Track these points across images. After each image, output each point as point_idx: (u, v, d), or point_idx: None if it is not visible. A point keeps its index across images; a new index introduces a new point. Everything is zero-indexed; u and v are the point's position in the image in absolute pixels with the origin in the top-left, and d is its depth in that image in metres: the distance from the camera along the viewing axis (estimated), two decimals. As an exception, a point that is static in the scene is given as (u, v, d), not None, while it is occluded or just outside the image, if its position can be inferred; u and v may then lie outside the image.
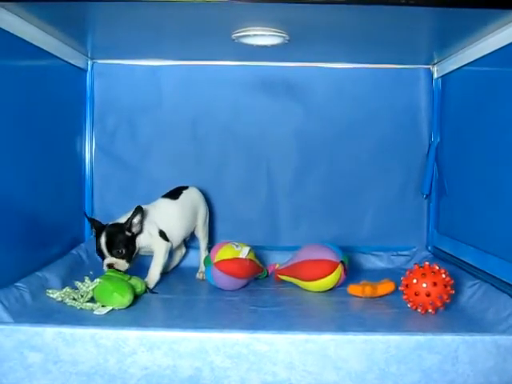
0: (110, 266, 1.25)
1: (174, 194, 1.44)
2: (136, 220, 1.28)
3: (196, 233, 1.50)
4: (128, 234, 1.28)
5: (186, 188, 1.48)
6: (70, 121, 1.54)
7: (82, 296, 1.14)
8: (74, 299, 1.14)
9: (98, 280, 1.14)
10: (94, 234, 1.31)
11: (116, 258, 1.25)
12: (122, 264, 1.26)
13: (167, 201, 1.42)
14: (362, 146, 1.65)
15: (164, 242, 1.34)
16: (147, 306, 1.18)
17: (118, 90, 1.64)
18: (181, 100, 1.65)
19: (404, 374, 0.86)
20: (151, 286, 1.29)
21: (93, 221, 1.31)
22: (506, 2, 1.00)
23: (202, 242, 1.51)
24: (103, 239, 1.26)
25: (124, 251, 1.26)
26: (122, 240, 1.27)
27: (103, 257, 1.26)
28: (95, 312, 1.09)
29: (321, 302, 1.26)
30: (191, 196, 1.47)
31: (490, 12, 1.05)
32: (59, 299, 1.14)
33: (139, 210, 1.28)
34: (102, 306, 1.11)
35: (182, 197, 1.44)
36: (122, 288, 1.12)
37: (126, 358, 0.86)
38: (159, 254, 1.33)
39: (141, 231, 1.30)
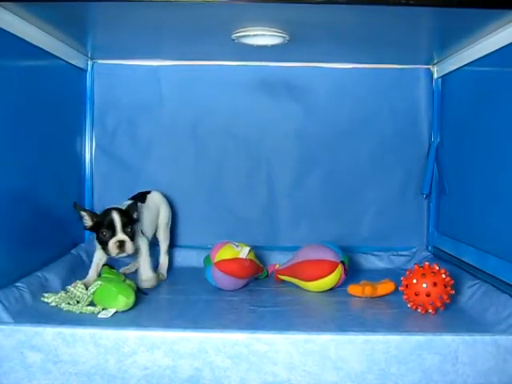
0: (121, 243, 1.23)
1: (141, 198, 1.44)
2: (136, 210, 1.30)
3: (157, 235, 1.49)
4: (133, 217, 1.29)
5: (149, 192, 1.48)
6: (70, 121, 1.54)
7: (78, 302, 1.13)
8: (68, 304, 1.12)
9: (98, 283, 1.13)
10: (89, 221, 1.26)
11: (126, 235, 1.24)
12: (130, 245, 1.24)
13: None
14: (362, 146, 1.65)
15: (144, 238, 1.35)
16: (147, 306, 1.18)
17: (118, 90, 1.64)
18: (181, 100, 1.65)
19: (404, 375, 0.86)
20: (150, 282, 1.30)
21: (87, 210, 1.28)
22: (506, 2, 1.00)
23: (163, 244, 1.49)
24: (116, 216, 1.24)
25: (133, 230, 1.26)
26: (131, 220, 1.27)
27: (113, 233, 1.23)
28: (100, 316, 1.08)
29: (321, 302, 1.26)
30: (154, 199, 1.48)
31: (490, 12, 1.05)
32: (53, 304, 1.12)
33: (137, 203, 1.32)
34: (103, 309, 1.10)
35: (147, 201, 1.45)
36: (125, 289, 1.12)
37: (126, 358, 0.86)
38: (144, 249, 1.33)
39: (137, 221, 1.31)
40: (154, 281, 1.32)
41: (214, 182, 1.65)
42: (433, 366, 0.86)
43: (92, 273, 1.29)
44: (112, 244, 1.23)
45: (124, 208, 1.29)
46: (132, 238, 1.25)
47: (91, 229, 1.27)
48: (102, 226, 1.24)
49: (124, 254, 1.25)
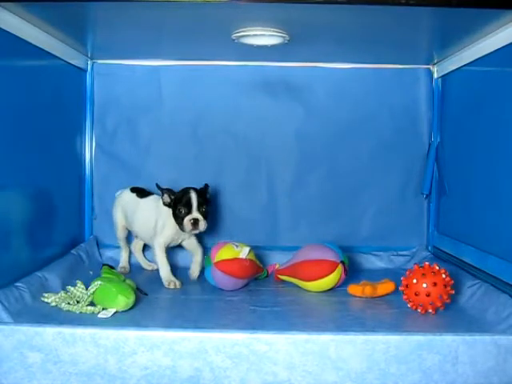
0: (195, 221, 1.33)
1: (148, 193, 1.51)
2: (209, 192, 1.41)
3: None
4: (208, 198, 1.39)
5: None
6: (70, 121, 1.54)
7: (78, 302, 1.13)
8: (68, 304, 1.12)
9: (98, 283, 1.13)
10: (167, 198, 1.36)
11: (201, 214, 1.34)
12: (204, 223, 1.34)
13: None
14: (362, 146, 1.65)
15: None
16: (147, 306, 1.17)
17: (118, 90, 1.64)
18: (181, 100, 1.65)
19: (404, 374, 0.86)
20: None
21: (166, 189, 1.37)
22: (506, 2, 1.00)
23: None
24: (193, 194, 1.34)
25: (207, 209, 1.36)
26: (206, 200, 1.37)
27: (189, 211, 1.33)
28: (100, 316, 1.08)
29: (321, 301, 1.26)
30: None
31: (490, 12, 1.05)
32: (53, 304, 1.12)
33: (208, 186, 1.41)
34: (103, 309, 1.10)
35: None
36: (125, 289, 1.12)
37: (126, 358, 0.86)
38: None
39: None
40: None
41: (213, 182, 1.64)
42: (433, 366, 0.86)
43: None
44: (187, 221, 1.33)
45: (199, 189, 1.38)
46: (205, 216, 1.35)
47: (169, 205, 1.36)
48: (179, 204, 1.34)
49: (196, 232, 1.35)
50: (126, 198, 1.52)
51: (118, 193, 1.55)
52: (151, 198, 1.48)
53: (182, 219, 1.33)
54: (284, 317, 1.13)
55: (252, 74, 1.64)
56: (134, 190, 1.52)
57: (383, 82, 1.64)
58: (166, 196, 1.36)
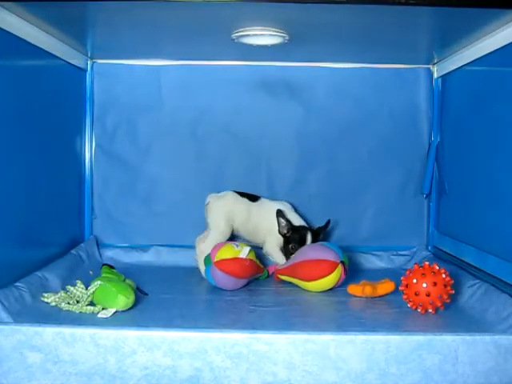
0: None
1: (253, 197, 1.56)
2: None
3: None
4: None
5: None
6: (69, 121, 1.54)
7: (77, 301, 1.13)
8: (68, 303, 1.12)
9: (98, 282, 1.13)
10: (284, 229, 1.46)
11: None
12: None
13: None
14: (362, 146, 1.65)
15: None
16: (147, 306, 1.17)
17: (118, 90, 1.64)
18: (181, 100, 1.65)
19: (404, 374, 0.86)
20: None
21: (287, 220, 1.47)
22: (506, 2, 1.00)
23: None
24: (309, 236, 1.46)
25: None
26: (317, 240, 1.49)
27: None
28: (99, 315, 1.07)
29: (321, 301, 1.26)
30: None
31: (490, 12, 1.05)
32: (53, 304, 1.12)
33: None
34: (103, 309, 1.10)
35: None
36: (125, 289, 1.12)
37: (126, 358, 0.86)
38: None
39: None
40: None
41: (214, 182, 1.65)
42: (433, 366, 0.86)
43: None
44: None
45: (315, 229, 1.48)
46: None
47: (283, 235, 1.47)
48: (293, 241, 1.45)
49: None
50: (235, 201, 1.51)
51: (209, 199, 1.52)
52: (263, 201, 1.54)
53: (289, 253, 1.44)
54: (284, 317, 1.13)
55: (252, 73, 1.64)
56: (240, 194, 1.53)
57: (383, 81, 1.64)
58: (283, 227, 1.46)
